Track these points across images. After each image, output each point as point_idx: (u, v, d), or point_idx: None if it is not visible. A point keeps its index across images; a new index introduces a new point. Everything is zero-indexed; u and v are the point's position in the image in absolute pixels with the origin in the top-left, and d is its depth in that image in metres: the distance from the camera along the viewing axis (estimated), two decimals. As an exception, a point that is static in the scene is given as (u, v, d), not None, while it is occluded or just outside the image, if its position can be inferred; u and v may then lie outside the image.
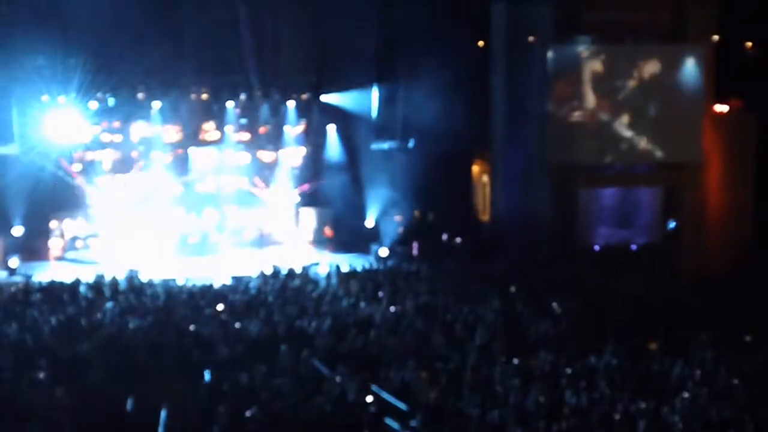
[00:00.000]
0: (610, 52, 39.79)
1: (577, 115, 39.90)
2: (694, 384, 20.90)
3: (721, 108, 40.80)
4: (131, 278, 32.11)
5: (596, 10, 39.19)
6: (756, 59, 41.45)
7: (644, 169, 40.80)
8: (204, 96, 41.37)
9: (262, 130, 42.15)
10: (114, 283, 31.13)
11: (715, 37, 39.75)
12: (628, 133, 40.28)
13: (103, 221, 39.71)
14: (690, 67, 39.77)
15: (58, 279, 31.93)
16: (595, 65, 39.83)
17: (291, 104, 41.69)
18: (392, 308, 27.86)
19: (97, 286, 30.72)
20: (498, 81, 41.04)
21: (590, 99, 39.92)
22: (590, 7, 39.33)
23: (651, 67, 40.07)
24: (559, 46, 39.64)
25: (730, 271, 36.79)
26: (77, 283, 31.03)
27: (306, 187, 42.38)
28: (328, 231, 41.98)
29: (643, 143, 40.28)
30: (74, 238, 39.54)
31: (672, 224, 40.44)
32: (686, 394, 20.06)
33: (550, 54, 39.65)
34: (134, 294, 29.60)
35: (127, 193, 40.22)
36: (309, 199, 42.41)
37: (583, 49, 39.64)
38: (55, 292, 29.97)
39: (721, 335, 25.11)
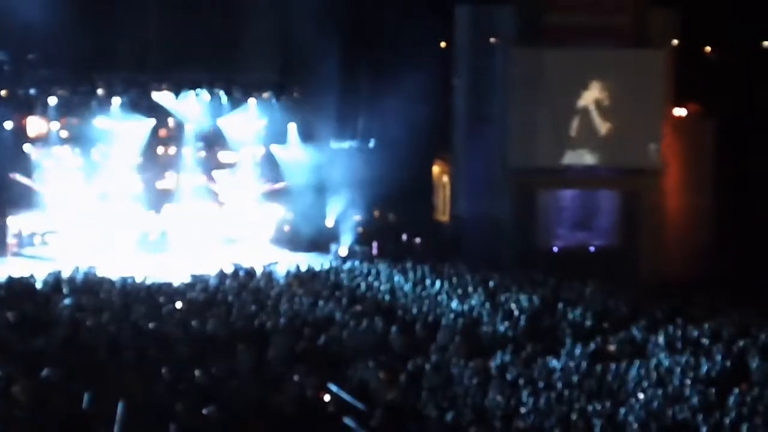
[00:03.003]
0: (572, 56, 39.95)
1: (538, 118, 40.04)
2: (650, 386, 21.03)
3: (680, 112, 41.10)
4: (89, 275, 31.91)
5: (559, 14, 39.34)
6: (715, 64, 41.81)
7: (604, 173, 41.00)
8: (165, 92, 41.14)
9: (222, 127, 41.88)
10: (72, 279, 30.95)
11: (675, 42, 40.02)
12: (588, 137, 40.48)
13: (61, 218, 39.44)
14: (650, 72, 39.98)
15: (15, 275, 31.67)
16: (557, 68, 39.97)
17: (252, 102, 41.56)
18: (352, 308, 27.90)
19: (54, 282, 30.51)
20: (460, 82, 41.17)
21: (551, 102, 40.06)
22: (553, 11, 39.47)
23: (612, 71, 40.29)
24: (522, 48, 39.78)
25: (687, 274, 37.11)
26: (34, 279, 30.83)
27: (266, 185, 42.26)
28: (287, 230, 41.87)
29: (603, 146, 40.49)
30: (32, 235, 39.27)
31: None
32: (642, 396, 20.19)
33: (512, 57, 39.78)
34: (92, 291, 29.42)
35: (85, 189, 39.94)
36: (269, 198, 42.30)
37: (544, 53, 39.78)
38: (11, 288, 29.74)
39: (678, 338, 25.32)
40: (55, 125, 39.87)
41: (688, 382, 21.25)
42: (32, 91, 39.05)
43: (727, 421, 18.61)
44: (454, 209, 42.20)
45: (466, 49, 40.83)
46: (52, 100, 39.34)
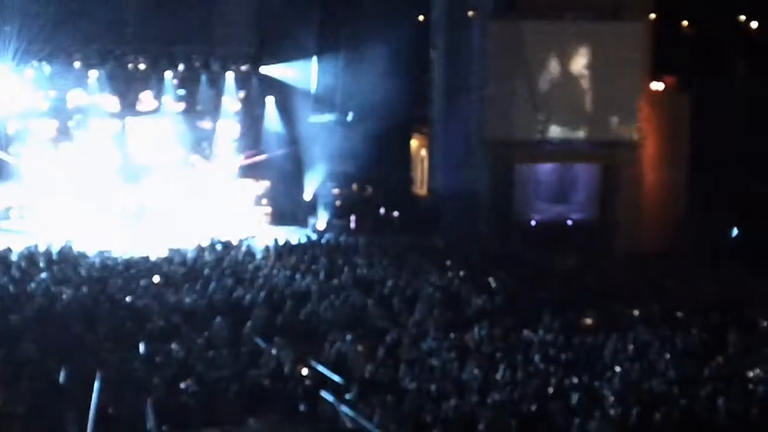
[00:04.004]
0: (549, 29, 39.89)
1: (515, 91, 40.01)
2: (626, 359, 21.13)
3: (658, 86, 41.13)
4: (66, 249, 31.78)
5: (536, -14, 39.32)
6: (692, 38, 41.86)
7: (582, 146, 41.00)
8: (141, 66, 40.92)
9: (200, 100, 41.70)
10: (48, 253, 30.83)
11: (652, 16, 40.01)
12: (566, 110, 40.49)
13: (38, 191, 39.25)
14: (627, 45, 39.97)
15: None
16: (534, 42, 39.91)
17: (230, 75, 41.40)
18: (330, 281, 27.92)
19: (30, 256, 30.39)
20: (438, 56, 41.10)
21: (529, 75, 40.02)
22: (529, -17, 39.43)
23: (589, 45, 40.24)
24: (499, 22, 39.69)
25: (663, 248, 37.25)
26: (10, 253, 30.70)
27: (244, 159, 42.14)
28: (265, 203, 41.80)
29: (580, 120, 40.52)
30: (8, 208, 39.08)
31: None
32: (619, 369, 20.28)
33: (489, 30, 39.71)
34: (68, 265, 29.31)
35: (63, 162, 39.75)
36: (247, 171, 42.17)
37: (522, 26, 39.72)
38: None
39: (654, 311, 25.44)
40: (32, 98, 39.61)
41: (665, 355, 21.37)
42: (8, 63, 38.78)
43: (703, 393, 18.72)
44: (432, 183, 42.19)
45: (444, 22, 40.74)
46: (30, 73, 39.09)
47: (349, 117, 41.90)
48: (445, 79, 40.87)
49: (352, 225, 39.33)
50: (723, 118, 38.05)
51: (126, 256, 31.23)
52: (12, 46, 37.31)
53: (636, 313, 25.13)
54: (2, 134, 39.05)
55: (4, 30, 37.20)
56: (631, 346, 22.02)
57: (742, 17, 41.59)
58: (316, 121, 41.90)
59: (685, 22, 41.81)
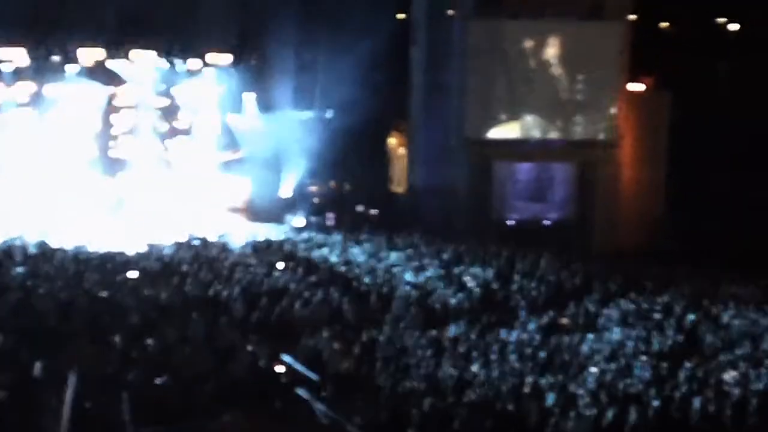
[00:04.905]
0: (529, 28, 40.02)
1: (494, 89, 40.09)
2: (602, 359, 21.18)
3: (637, 86, 41.28)
4: (42, 243, 31.65)
5: (516, -15, 39.40)
6: (671, 38, 42.03)
7: (560, 145, 41.12)
8: (121, 59, 40.76)
9: (179, 95, 41.55)
10: (24, 247, 30.70)
11: (632, 16, 40.14)
12: (544, 109, 40.61)
13: (14, 183, 39.08)
14: (607, 45, 40.10)
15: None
16: (514, 40, 40.03)
17: (210, 70, 41.29)
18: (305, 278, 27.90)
19: (6, 250, 30.26)
20: (418, 54, 41.13)
21: (508, 73, 40.10)
22: (510, -18, 39.51)
23: (568, 44, 40.38)
24: (479, 20, 39.76)
25: (641, 247, 37.40)
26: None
27: (222, 154, 42.04)
28: (243, 199, 41.74)
29: (558, 119, 40.64)
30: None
31: None
32: (594, 369, 20.32)
33: (469, 28, 39.77)
34: (45, 259, 29.21)
35: (40, 155, 39.56)
36: (225, 167, 42.10)
37: (502, 24, 39.78)
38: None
39: (630, 311, 25.51)
40: (9, 91, 39.40)
41: (640, 355, 21.43)
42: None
43: (677, 394, 18.79)
44: (411, 180, 42.22)
45: (424, 20, 40.79)
46: (7, 66, 38.91)
47: (328, 114, 41.88)
48: (425, 77, 40.93)
49: (330, 222, 39.31)
50: (701, 118, 38.25)
51: (103, 251, 31.12)
52: None
53: (612, 313, 25.16)
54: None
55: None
56: (606, 346, 22.07)
57: (721, 18, 41.80)
58: (295, 118, 41.86)
59: (664, 23, 41.95)
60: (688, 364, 20.67)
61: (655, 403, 18.31)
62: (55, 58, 39.80)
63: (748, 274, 31.21)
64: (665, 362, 20.90)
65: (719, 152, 38.64)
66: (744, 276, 30.95)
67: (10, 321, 22.05)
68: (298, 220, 39.37)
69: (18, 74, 39.37)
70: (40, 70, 39.67)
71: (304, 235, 36.70)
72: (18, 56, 38.88)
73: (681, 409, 18.18)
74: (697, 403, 18.22)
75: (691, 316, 24.86)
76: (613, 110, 40.61)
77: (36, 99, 39.93)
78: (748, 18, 41.65)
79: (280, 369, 19.88)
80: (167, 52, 40.71)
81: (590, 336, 22.87)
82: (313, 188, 41.58)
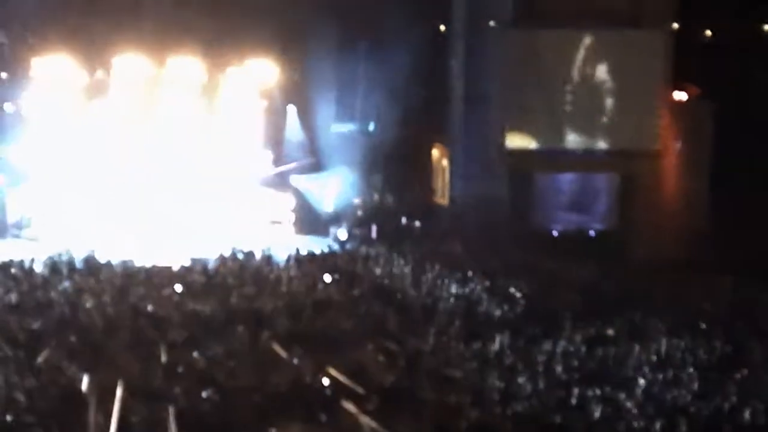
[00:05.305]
0: (569, 38, 39.87)
1: (534, 100, 39.98)
2: (649, 370, 21.04)
3: (679, 95, 41.04)
4: (88, 258, 31.87)
5: (555, -6, 39.28)
6: (714, 46, 41.74)
7: (602, 156, 40.92)
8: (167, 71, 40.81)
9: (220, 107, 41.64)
10: (70, 262, 30.92)
11: (674, 24, 39.94)
12: (585, 119, 40.44)
13: (60, 199, 39.38)
14: (648, 54, 39.90)
15: (13, 257, 31.61)
16: (554, 50, 39.88)
17: (253, 85, 41.39)
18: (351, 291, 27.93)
19: (53, 264, 30.48)
20: (457, 65, 41.07)
21: (548, 84, 39.98)
22: (549, -9, 39.39)
23: (609, 53, 40.18)
24: (518, 30, 39.68)
25: (686, 257, 37.12)
26: (33, 261, 30.78)
27: (266, 167, 42.15)
28: (287, 213, 41.88)
29: (600, 129, 40.45)
30: (31, 217, 39.21)
31: None
32: (641, 380, 20.19)
33: (508, 39, 39.70)
34: (91, 273, 29.39)
35: (85, 170, 39.81)
36: (269, 180, 42.23)
37: (541, 34, 39.69)
38: (10, 270, 29.69)
39: (677, 322, 25.33)
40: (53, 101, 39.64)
41: (688, 366, 21.27)
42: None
43: (726, 405, 18.64)
44: (452, 192, 42.14)
45: (463, 31, 40.71)
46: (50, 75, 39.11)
47: (371, 126, 41.93)
48: (465, 88, 40.81)
49: (373, 234, 39.32)
50: (745, 128, 37.94)
51: (148, 265, 31.29)
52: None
53: (659, 323, 24.99)
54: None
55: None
56: (653, 357, 21.93)
57: (767, 26, 41.48)
58: (338, 131, 41.96)
59: (708, 31, 41.69)
60: (736, 375, 20.50)
61: (704, 414, 18.18)
62: (96, 68, 39.92)
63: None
64: (713, 373, 20.75)
65: (763, 162, 38.31)
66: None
67: (57, 336, 22.22)
68: (342, 232, 39.40)
69: (60, 84, 39.53)
70: (82, 79, 39.85)
71: (348, 247, 36.74)
72: (59, 65, 39.05)
73: (730, 420, 18.03)
74: (747, 414, 18.07)
75: (738, 327, 24.65)
76: (655, 120, 40.36)
77: (80, 109, 40.13)
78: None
79: (324, 382, 19.89)
80: (209, 63, 40.76)
81: (637, 347, 22.72)
82: (356, 201, 41.62)
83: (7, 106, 39.37)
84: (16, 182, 39.42)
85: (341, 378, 20.22)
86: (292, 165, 41.70)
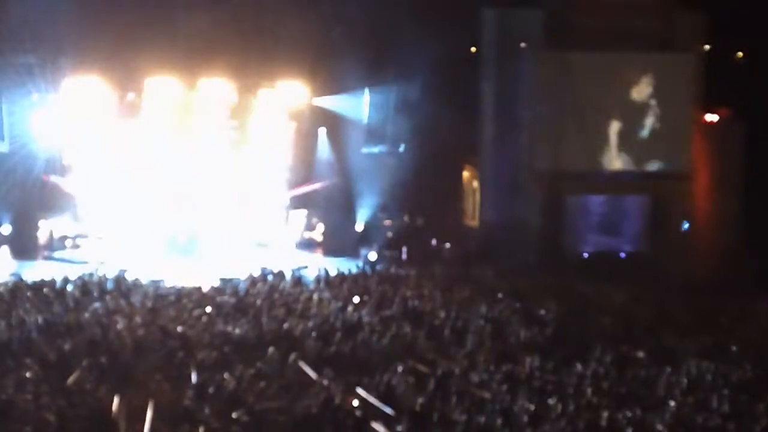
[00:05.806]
0: (599, 60, 39.84)
1: (565, 122, 39.96)
2: (680, 393, 20.95)
3: (711, 117, 40.94)
4: (118, 279, 32.01)
5: (586, 18, 39.16)
6: (745, 68, 41.64)
7: (633, 178, 40.82)
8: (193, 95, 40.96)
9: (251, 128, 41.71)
10: (101, 282, 31.06)
11: (706, 46, 39.87)
12: (616, 141, 40.38)
13: (91, 220, 39.58)
14: (679, 75, 39.84)
15: (45, 278, 31.78)
16: (584, 73, 39.85)
17: (283, 107, 41.50)
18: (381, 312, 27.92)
19: (84, 286, 30.62)
20: (488, 87, 41.10)
21: (579, 106, 39.94)
22: (581, 15, 39.30)
23: (640, 75, 40.15)
24: (549, 53, 39.71)
25: (716, 280, 36.92)
26: (65, 282, 30.95)
27: (296, 189, 42.22)
28: (317, 234, 41.97)
29: (631, 151, 40.37)
30: (63, 237, 39.44)
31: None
32: (672, 403, 20.11)
33: (539, 61, 39.73)
34: (121, 294, 29.52)
35: (116, 191, 39.99)
36: (299, 202, 42.30)
37: (572, 57, 39.69)
38: (42, 291, 29.84)
39: (708, 344, 25.21)
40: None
41: (719, 389, 21.17)
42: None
43: (758, 428, 18.54)
44: (482, 214, 42.12)
45: (493, 53, 40.76)
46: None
47: (401, 148, 41.97)
48: (495, 110, 40.88)
49: (404, 256, 39.31)
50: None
51: (178, 286, 31.40)
52: (66, 78, 37.88)
53: (690, 346, 24.88)
54: (58, 163, 39.31)
55: (59, 61, 37.74)
56: (684, 380, 21.85)
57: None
58: (368, 152, 42.02)
59: (738, 53, 41.59)
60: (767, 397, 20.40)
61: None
62: (128, 90, 40.10)
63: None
64: (744, 395, 20.65)
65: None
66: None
67: (88, 357, 22.32)
68: (372, 254, 39.41)
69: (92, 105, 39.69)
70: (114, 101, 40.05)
71: (378, 268, 36.74)
72: (92, 86, 39.25)
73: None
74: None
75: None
76: (686, 142, 40.28)
77: (112, 131, 40.28)
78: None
79: (355, 403, 19.89)
80: (240, 85, 40.87)
81: (667, 369, 22.63)
82: (387, 222, 41.65)
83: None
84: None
85: (371, 399, 20.23)
86: (323, 186, 41.73)
